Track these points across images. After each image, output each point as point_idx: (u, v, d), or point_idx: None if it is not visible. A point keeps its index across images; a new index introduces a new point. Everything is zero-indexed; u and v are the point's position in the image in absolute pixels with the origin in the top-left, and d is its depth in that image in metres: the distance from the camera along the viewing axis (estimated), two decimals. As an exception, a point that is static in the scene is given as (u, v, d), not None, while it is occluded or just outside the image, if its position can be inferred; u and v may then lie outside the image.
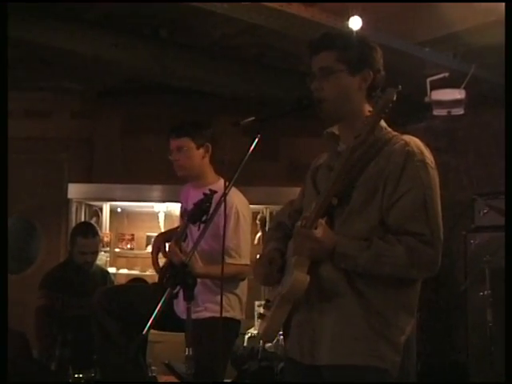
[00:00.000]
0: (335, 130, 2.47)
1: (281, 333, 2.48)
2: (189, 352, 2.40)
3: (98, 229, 5.57)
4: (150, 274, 6.43)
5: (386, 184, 2.27)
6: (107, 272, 5.68)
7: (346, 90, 2.38)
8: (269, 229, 2.78)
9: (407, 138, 2.36)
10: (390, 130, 2.43)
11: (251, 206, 4.04)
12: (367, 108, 2.38)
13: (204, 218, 2.95)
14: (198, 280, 3.42)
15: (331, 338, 2.28)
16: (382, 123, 2.41)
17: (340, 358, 2.27)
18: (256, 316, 4.46)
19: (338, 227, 2.30)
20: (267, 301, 2.42)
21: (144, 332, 2.34)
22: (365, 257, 2.21)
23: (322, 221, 2.26)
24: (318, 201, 2.30)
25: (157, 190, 6.72)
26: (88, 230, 5.27)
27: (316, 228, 2.24)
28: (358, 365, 2.26)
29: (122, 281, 6.66)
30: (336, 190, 2.28)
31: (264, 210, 6.74)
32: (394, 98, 2.23)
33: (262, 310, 2.42)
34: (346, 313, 2.27)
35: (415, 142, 2.34)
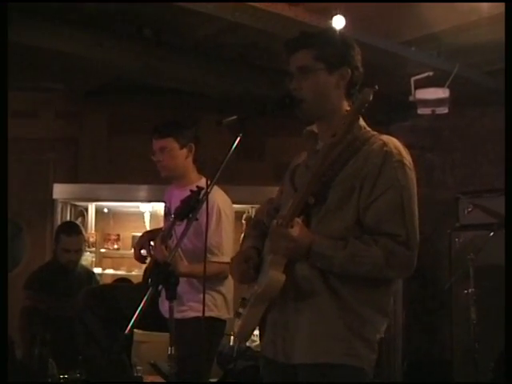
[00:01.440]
0: (314, 128, 2.46)
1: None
2: (171, 351, 2.39)
3: (82, 228, 5.55)
4: (136, 274, 6.41)
5: (363, 184, 2.26)
6: (92, 272, 5.67)
7: (325, 88, 2.37)
8: (246, 227, 2.77)
9: (386, 138, 2.35)
10: (368, 129, 2.42)
11: (237, 205, 4.04)
12: (346, 105, 2.38)
13: (191, 215, 2.94)
14: (184, 279, 3.44)
15: (307, 337, 2.27)
16: (361, 122, 2.41)
17: (316, 356, 2.26)
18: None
19: (314, 226, 2.29)
20: (243, 299, 2.41)
21: (126, 331, 2.33)
22: (341, 257, 2.20)
23: (299, 219, 2.25)
24: (295, 199, 2.29)
25: (143, 189, 6.69)
26: (71, 228, 5.28)
27: (292, 227, 2.22)
28: (334, 363, 2.25)
29: (108, 281, 6.62)
30: (312, 189, 2.27)
31: (250, 210, 6.72)
32: (371, 98, 2.22)
33: (240, 310, 2.41)
34: (322, 311, 2.26)
35: (393, 142, 2.34)
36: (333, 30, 2.41)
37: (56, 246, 5.22)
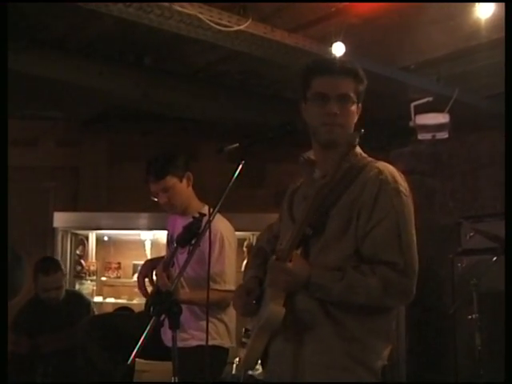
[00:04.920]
0: (311, 155, 2.47)
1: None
2: (175, 381, 2.38)
3: (60, 263, 5.42)
4: (138, 302, 6.39)
5: (360, 213, 2.27)
6: (89, 301, 5.57)
7: (354, 119, 2.40)
8: (250, 255, 2.77)
9: (381, 165, 2.36)
10: (364, 155, 2.44)
11: (238, 232, 4.02)
12: None
13: (194, 241, 2.93)
14: (186, 307, 3.42)
15: (309, 368, 2.26)
16: (357, 149, 2.42)
17: None
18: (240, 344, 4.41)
19: (313, 257, 2.30)
20: (246, 330, 2.41)
21: (129, 361, 2.32)
22: (338, 288, 2.21)
23: (297, 252, 2.26)
24: (292, 233, 2.29)
25: (143, 217, 6.68)
26: (49, 267, 5.15)
27: (290, 260, 2.23)
28: None
29: (109, 310, 6.60)
30: (308, 222, 2.28)
31: (251, 237, 6.71)
32: (356, 143, 2.29)
33: (244, 339, 2.41)
34: (323, 342, 2.26)
35: (389, 169, 2.35)
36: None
37: (35, 285, 5.14)
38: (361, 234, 2.27)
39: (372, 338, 2.28)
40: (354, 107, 2.37)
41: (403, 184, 2.33)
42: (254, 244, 6.57)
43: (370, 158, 2.42)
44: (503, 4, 3.14)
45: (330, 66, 2.40)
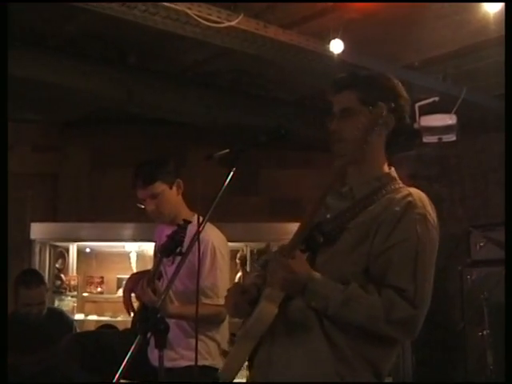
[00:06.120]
0: None
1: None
2: (162, 403, 2.40)
3: (43, 276, 5.42)
4: (122, 319, 6.40)
5: (378, 231, 2.28)
6: (72, 320, 5.54)
7: (360, 130, 2.34)
8: (256, 261, 2.77)
9: (413, 190, 2.37)
10: (399, 181, 2.45)
11: (230, 243, 4.03)
12: (383, 154, 2.43)
13: (178, 250, 2.93)
14: (175, 324, 3.44)
15: (297, 377, 2.26)
16: (393, 173, 2.45)
17: None
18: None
19: (319, 266, 2.30)
20: (232, 335, 2.41)
21: (113, 383, 2.33)
22: (336, 299, 2.21)
23: (302, 254, 2.28)
24: (297, 229, 2.31)
25: (128, 228, 6.69)
26: (31, 280, 5.11)
27: (293, 258, 2.25)
28: None
29: (91, 328, 6.60)
30: (316, 215, 2.30)
31: (244, 248, 6.72)
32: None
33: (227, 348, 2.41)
34: (314, 352, 2.26)
35: (420, 195, 2.36)
36: (383, 75, 2.46)
37: (15, 299, 5.07)
38: (375, 252, 2.26)
39: (365, 367, 2.27)
40: (360, 118, 2.36)
41: (432, 214, 2.34)
42: (248, 256, 6.60)
43: (403, 185, 2.43)
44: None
45: (335, 82, 2.46)
